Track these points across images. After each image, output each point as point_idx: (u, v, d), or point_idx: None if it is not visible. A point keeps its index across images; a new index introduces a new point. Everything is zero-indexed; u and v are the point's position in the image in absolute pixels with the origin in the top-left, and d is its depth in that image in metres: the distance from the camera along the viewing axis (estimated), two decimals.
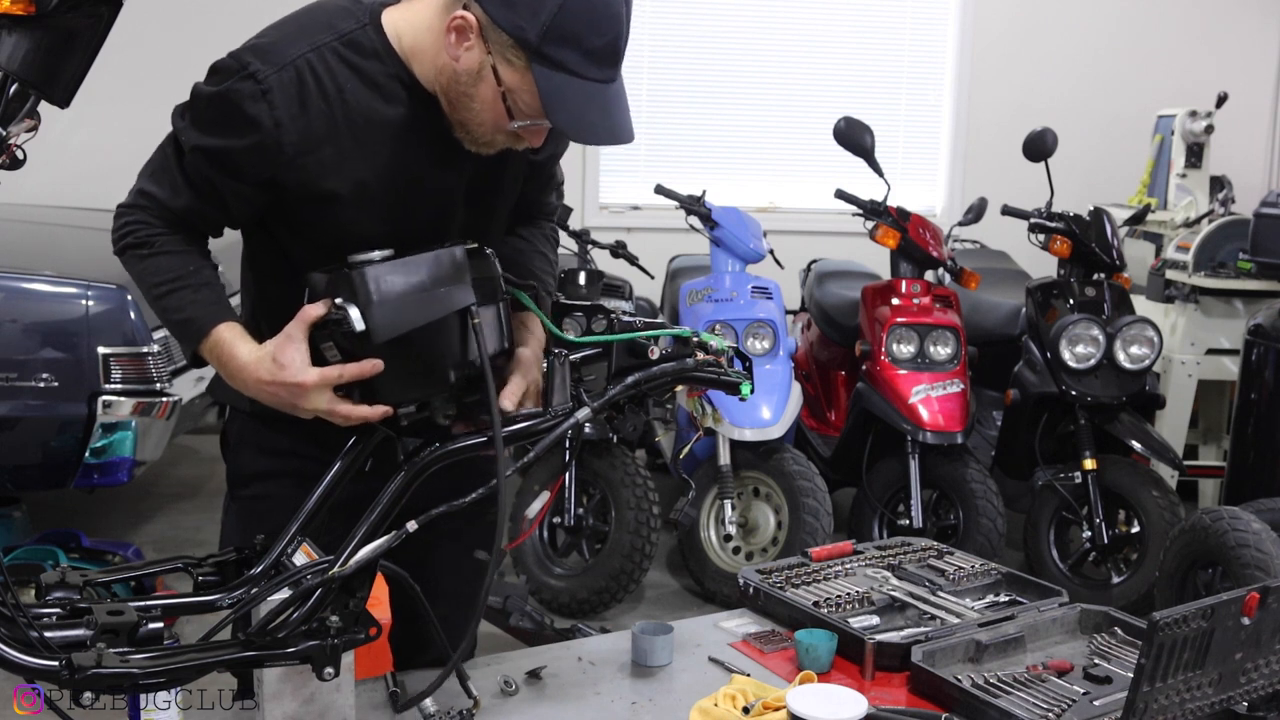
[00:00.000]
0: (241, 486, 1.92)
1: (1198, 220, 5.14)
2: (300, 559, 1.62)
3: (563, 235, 2.23)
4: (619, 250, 4.60)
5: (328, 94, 1.60)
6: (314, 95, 1.60)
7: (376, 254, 1.55)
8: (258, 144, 1.59)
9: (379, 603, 1.61)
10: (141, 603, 1.51)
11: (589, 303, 3.71)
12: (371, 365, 1.54)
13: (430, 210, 1.72)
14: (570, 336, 1.70)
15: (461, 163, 1.71)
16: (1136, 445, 3.98)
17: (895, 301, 4.18)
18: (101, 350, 3.56)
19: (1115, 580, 3.93)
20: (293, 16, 1.67)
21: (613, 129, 1.56)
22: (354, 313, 1.51)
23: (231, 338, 1.64)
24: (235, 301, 1.76)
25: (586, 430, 1.74)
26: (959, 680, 1.76)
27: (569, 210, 4.24)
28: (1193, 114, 5.43)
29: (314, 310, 1.57)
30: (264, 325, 1.69)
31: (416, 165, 1.69)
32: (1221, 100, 5.41)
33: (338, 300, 1.53)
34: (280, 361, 1.57)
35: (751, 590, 2.14)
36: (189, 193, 1.66)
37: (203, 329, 1.64)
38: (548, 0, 1.48)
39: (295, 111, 1.59)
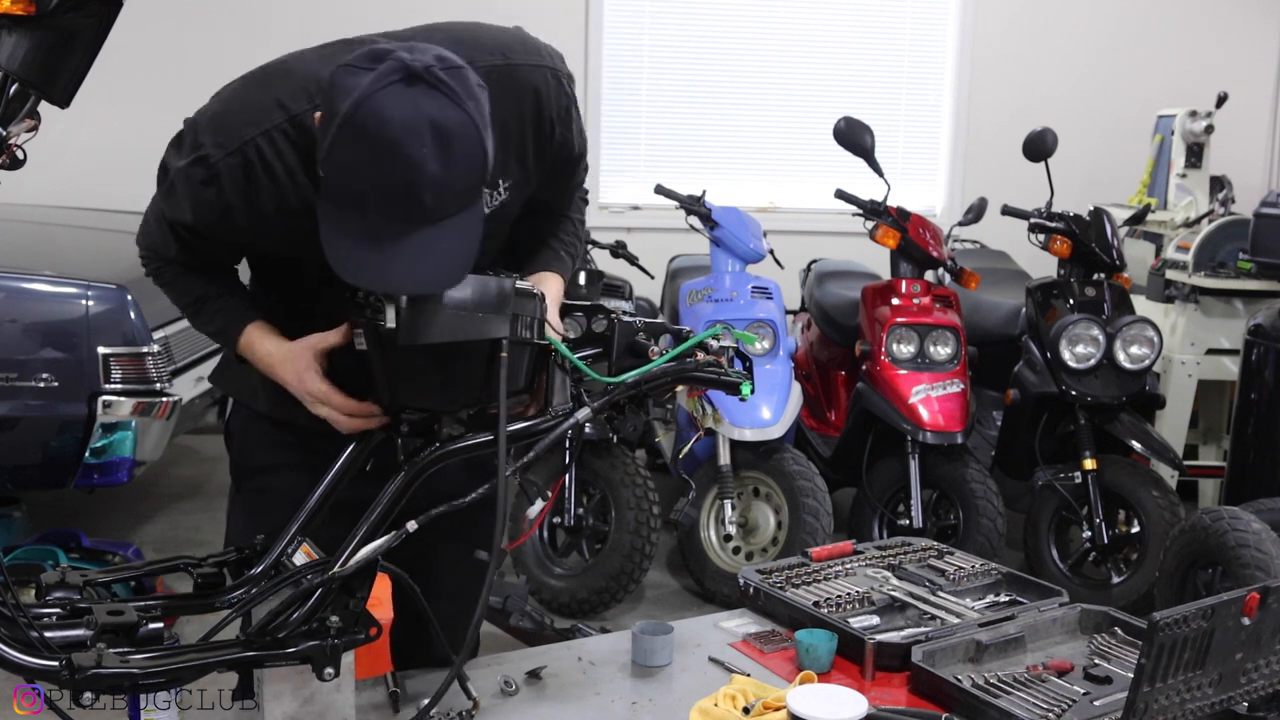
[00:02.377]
0: (246, 479, 1.94)
1: (1198, 220, 5.14)
2: (300, 559, 1.62)
3: None
4: (619, 250, 4.60)
5: (277, 177, 1.61)
6: (263, 180, 1.61)
7: None
8: (214, 221, 1.64)
9: (379, 603, 1.61)
10: (141, 603, 1.51)
11: (589, 303, 3.71)
12: (366, 412, 1.66)
13: None
14: (604, 377, 1.70)
15: None
16: (1136, 445, 3.97)
17: (895, 301, 4.18)
18: (101, 350, 3.56)
19: (1115, 580, 3.92)
20: (251, 84, 1.66)
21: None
22: (389, 309, 1.53)
23: (259, 336, 1.74)
24: None
25: (586, 430, 1.73)
26: (959, 680, 1.76)
27: None
28: (1193, 114, 5.43)
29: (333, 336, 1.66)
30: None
31: None
32: (1221, 100, 5.41)
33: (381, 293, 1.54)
34: (303, 380, 1.69)
35: (751, 590, 2.14)
36: (178, 247, 1.72)
37: (233, 335, 1.75)
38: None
39: (245, 193, 1.61)
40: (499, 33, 1.74)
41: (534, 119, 1.73)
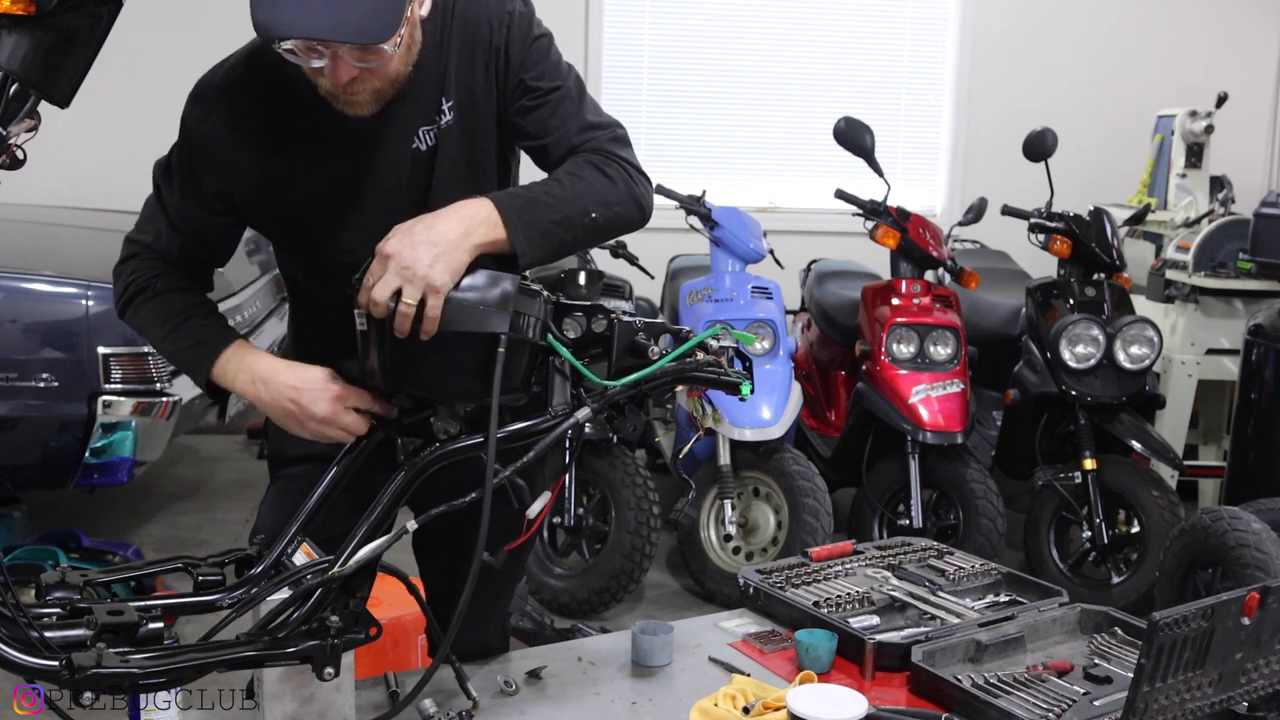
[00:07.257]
0: (280, 468, 2.00)
1: (1198, 220, 5.14)
2: (300, 559, 1.62)
3: None
4: (619, 250, 4.60)
5: (263, 109, 1.71)
6: (250, 111, 1.71)
7: None
8: (212, 160, 1.72)
9: (379, 603, 1.61)
10: (141, 603, 1.51)
11: (589, 303, 3.70)
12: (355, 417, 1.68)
13: (381, 210, 1.71)
14: (601, 380, 1.70)
15: (381, 156, 1.75)
16: (1136, 445, 3.97)
17: (895, 301, 4.18)
18: (101, 350, 3.56)
19: (1115, 580, 3.93)
20: (245, 47, 1.77)
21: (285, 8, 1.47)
22: None
23: (248, 349, 1.74)
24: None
25: (586, 430, 1.73)
26: (959, 680, 1.76)
27: None
28: (1193, 114, 5.43)
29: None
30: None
31: (350, 166, 1.75)
32: (1221, 100, 5.41)
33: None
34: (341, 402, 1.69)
35: (751, 590, 2.14)
36: (174, 235, 1.78)
37: (216, 348, 1.73)
38: None
39: (235, 124, 1.71)
40: None
41: (484, 45, 1.72)
